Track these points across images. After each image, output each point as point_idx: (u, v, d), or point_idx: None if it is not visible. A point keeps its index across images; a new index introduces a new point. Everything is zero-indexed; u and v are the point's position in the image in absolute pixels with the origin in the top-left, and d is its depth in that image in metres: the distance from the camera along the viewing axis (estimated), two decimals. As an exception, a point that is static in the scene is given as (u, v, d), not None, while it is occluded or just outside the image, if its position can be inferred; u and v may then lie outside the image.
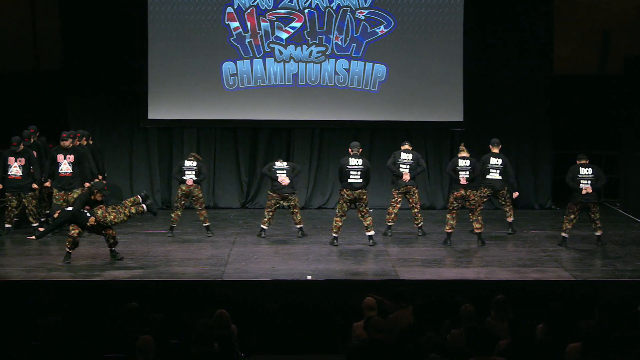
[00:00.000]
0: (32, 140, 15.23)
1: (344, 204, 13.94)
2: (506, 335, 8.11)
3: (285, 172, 14.49)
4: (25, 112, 17.39)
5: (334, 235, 14.11)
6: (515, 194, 15.05)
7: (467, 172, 13.91)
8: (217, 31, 17.12)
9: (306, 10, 17.04)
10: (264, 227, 14.65)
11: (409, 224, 15.14)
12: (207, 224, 14.76)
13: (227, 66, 17.15)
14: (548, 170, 17.71)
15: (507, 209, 14.95)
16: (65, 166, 14.46)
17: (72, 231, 12.69)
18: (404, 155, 14.70)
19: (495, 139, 14.95)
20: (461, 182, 13.90)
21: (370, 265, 13.01)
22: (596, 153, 17.06)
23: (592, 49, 18.10)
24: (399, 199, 14.71)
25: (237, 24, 17.09)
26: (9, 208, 14.78)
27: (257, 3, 17.02)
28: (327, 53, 17.14)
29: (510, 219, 14.98)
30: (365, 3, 17.06)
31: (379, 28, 17.13)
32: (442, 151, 17.62)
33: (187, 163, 14.59)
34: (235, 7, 17.06)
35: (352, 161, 13.94)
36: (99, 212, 12.62)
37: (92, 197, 12.77)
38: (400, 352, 7.88)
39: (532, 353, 7.79)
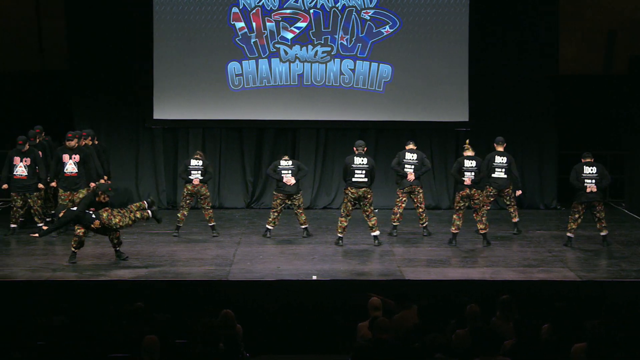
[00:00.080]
0: (37, 140, 15.25)
1: (349, 203, 13.94)
2: (511, 336, 8.11)
3: (290, 172, 14.48)
4: (30, 112, 17.39)
5: (339, 235, 14.10)
6: (519, 192, 15.05)
7: (473, 173, 13.90)
8: (222, 31, 17.12)
9: (311, 11, 17.03)
10: (270, 227, 14.65)
11: (414, 223, 15.14)
12: (212, 224, 14.77)
13: (233, 66, 17.16)
14: (553, 170, 17.69)
15: (512, 210, 14.94)
16: (70, 166, 14.47)
17: (78, 230, 12.71)
18: (408, 155, 14.69)
19: (499, 138, 14.94)
20: (465, 183, 13.89)
21: (376, 266, 13.01)
22: (601, 153, 17.03)
23: (597, 49, 18.06)
24: (404, 199, 14.70)
25: (242, 24, 17.09)
26: (14, 208, 14.81)
27: (263, 3, 17.03)
28: (332, 53, 17.14)
29: (515, 219, 14.96)
30: (371, 3, 17.06)
31: (385, 28, 17.12)
32: (447, 151, 17.61)
33: (193, 162, 14.58)
34: (240, 7, 17.06)
35: (357, 160, 13.94)
36: (104, 215, 12.62)
37: (97, 199, 12.77)
38: (406, 352, 7.88)
39: (538, 353, 7.78)
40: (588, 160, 14.00)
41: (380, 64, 17.17)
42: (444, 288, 11.53)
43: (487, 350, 7.41)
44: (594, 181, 13.79)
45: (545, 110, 17.46)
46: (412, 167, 14.61)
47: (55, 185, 14.78)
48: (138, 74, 17.19)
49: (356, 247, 14.07)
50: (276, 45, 17.10)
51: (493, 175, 14.69)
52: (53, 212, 14.99)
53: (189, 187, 14.54)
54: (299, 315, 11.01)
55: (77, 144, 14.62)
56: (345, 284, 11.76)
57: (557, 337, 8.07)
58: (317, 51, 17.11)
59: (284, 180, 14.44)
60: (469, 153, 14.15)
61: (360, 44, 17.12)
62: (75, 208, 12.94)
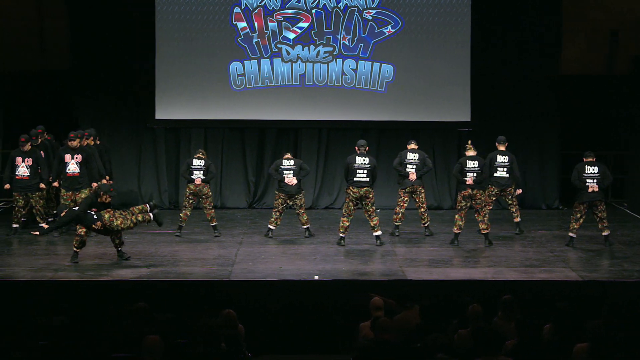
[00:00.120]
0: (39, 140, 15.25)
1: (350, 203, 13.93)
2: (513, 336, 8.09)
3: (292, 171, 14.48)
4: (31, 113, 17.39)
5: (341, 235, 14.10)
6: (519, 191, 15.04)
7: (475, 174, 13.89)
8: (224, 31, 17.12)
9: (313, 11, 17.03)
10: (272, 227, 14.65)
11: (416, 223, 15.13)
12: (214, 224, 14.76)
13: (235, 66, 17.16)
14: (555, 171, 17.67)
15: (514, 209, 14.93)
16: (73, 166, 14.46)
17: (80, 230, 12.70)
18: (410, 155, 14.69)
19: (501, 137, 14.92)
20: (467, 182, 13.89)
21: (378, 266, 13.00)
22: (603, 153, 17.03)
23: (600, 49, 18.05)
24: (406, 199, 14.69)
25: (244, 24, 17.10)
26: (17, 208, 14.81)
27: (265, 3, 17.03)
28: (334, 53, 17.13)
29: (517, 219, 14.96)
30: (373, 3, 17.05)
31: (387, 28, 17.12)
32: (449, 151, 17.60)
33: (196, 162, 14.58)
34: (242, 7, 17.06)
35: (359, 159, 13.94)
36: (106, 216, 12.58)
37: (99, 200, 12.74)
38: (408, 352, 7.88)
39: (540, 353, 7.78)
40: (590, 159, 13.99)
41: (382, 64, 17.16)
42: (445, 288, 11.53)
43: (489, 351, 7.40)
44: (595, 181, 13.78)
45: (547, 110, 17.46)
46: (414, 167, 14.61)
47: (57, 185, 14.79)
48: (140, 74, 17.19)
49: (358, 247, 14.06)
50: (278, 45, 17.10)
51: (495, 174, 14.67)
52: (55, 212, 14.98)
53: (191, 187, 14.54)
54: (301, 316, 11.01)
55: (79, 144, 14.61)
56: (347, 284, 11.76)
57: (559, 337, 8.07)
58: (319, 51, 17.11)
59: (286, 180, 14.44)
60: (471, 153, 14.15)
61: (362, 44, 17.12)
62: (77, 208, 12.93)
